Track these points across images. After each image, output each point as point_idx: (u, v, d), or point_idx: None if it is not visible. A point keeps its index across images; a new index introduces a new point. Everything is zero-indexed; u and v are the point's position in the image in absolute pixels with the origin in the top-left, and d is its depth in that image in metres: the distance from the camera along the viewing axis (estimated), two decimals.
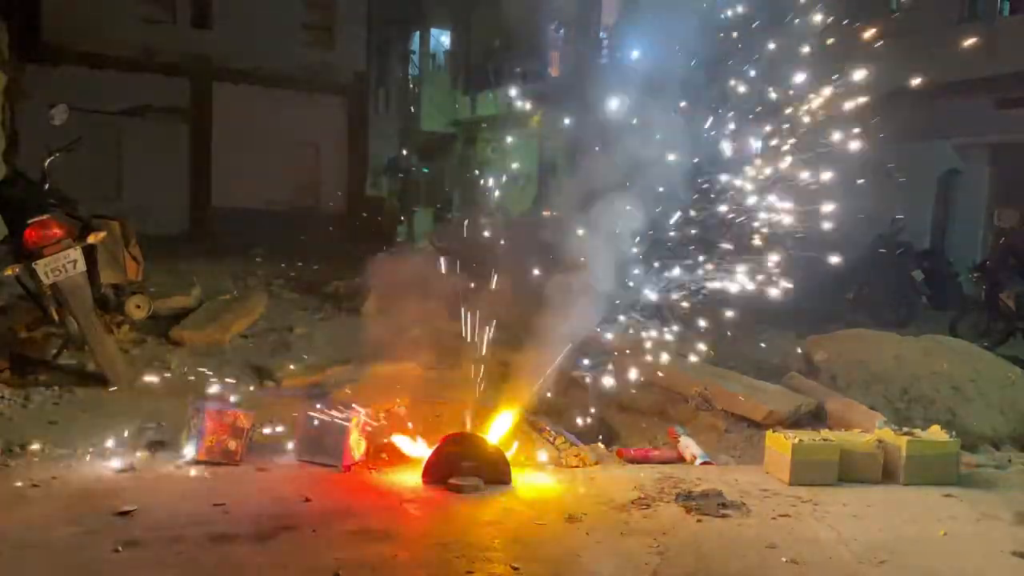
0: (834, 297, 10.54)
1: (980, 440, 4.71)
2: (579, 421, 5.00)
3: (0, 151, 11.26)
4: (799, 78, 4.91)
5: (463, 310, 4.69)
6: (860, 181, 5.63)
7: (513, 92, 17.91)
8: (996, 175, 12.94)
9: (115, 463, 3.52)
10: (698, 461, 4.14)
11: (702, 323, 5.35)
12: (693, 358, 6.00)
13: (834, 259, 5.32)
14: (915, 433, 4.06)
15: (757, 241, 5.03)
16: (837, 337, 5.68)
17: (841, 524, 3.32)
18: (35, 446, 3.68)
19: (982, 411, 4.93)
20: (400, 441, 3.81)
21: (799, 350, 5.88)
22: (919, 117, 13.16)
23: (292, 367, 5.36)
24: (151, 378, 5.12)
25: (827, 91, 4.93)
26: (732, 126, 5.13)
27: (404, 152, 24.04)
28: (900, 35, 13.15)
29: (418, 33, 27.73)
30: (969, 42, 12.20)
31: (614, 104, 4.60)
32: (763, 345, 7.17)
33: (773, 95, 5.06)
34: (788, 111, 5.03)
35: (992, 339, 7.92)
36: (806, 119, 4.97)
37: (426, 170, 23.60)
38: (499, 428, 3.94)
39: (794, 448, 3.80)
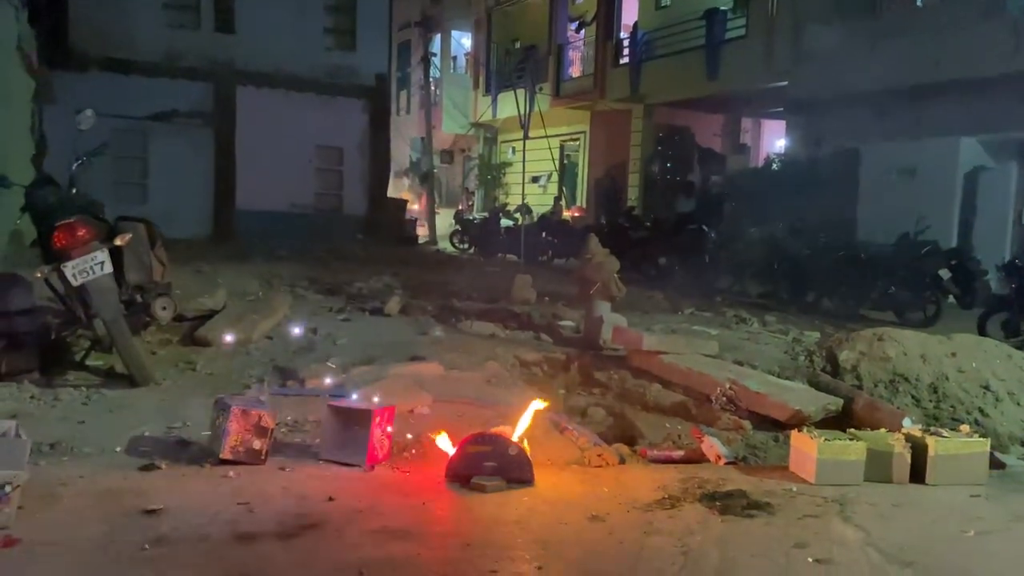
0: (859, 296, 10.45)
1: (1010, 440, 4.63)
2: (602, 421, 4.98)
3: (29, 156, 11.44)
4: None
5: None
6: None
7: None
8: None
9: (142, 462, 3.56)
10: (723, 461, 4.11)
11: None
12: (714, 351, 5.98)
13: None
14: (943, 433, 4.01)
15: None
16: (863, 336, 5.61)
17: (869, 524, 3.27)
18: (64, 445, 3.72)
19: (1012, 411, 4.85)
20: (438, 440, 3.82)
21: (824, 349, 5.82)
22: (946, 113, 13.02)
23: (315, 367, 5.38)
24: (177, 379, 5.18)
25: None
26: None
27: (425, 154, 24.15)
28: (927, 29, 13.04)
29: (439, 35, 27.86)
30: (996, 36, 12.04)
31: None
32: (787, 343, 7.12)
33: None
34: None
35: (1021, 338, 7.80)
36: None
37: (435, 170, 23.64)
38: (522, 428, 3.93)
39: (820, 447, 3.76)
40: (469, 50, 29.21)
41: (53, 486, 3.19)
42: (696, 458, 4.20)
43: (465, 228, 19.72)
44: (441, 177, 27.31)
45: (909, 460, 3.86)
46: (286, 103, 16.95)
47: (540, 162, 22.11)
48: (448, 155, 28.63)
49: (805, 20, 15.42)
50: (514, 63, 23.69)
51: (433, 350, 6.03)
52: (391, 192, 20.56)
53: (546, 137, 19.64)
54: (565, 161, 24.30)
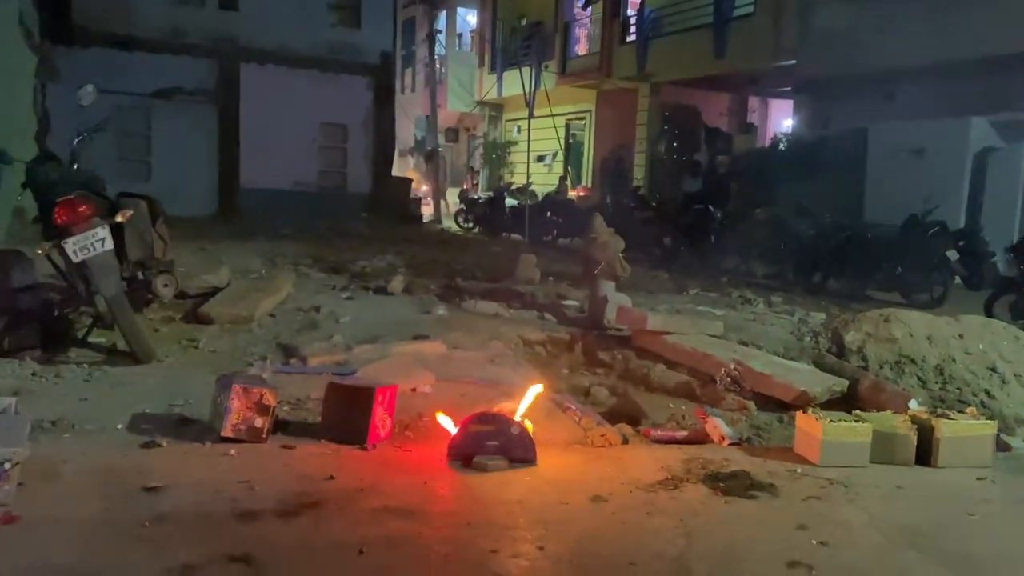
0: (866, 277, 10.39)
1: (1017, 423, 4.60)
2: (605, 401, 4.96)
3: (31, 132, 11.40)
4: None
5: None
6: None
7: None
8: None
9: (143, 439, 3.55)
10: (726, 442, 4.09)
11: None
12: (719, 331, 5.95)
13: None
14: (949, 415, 3.98)
15: None
16: (869, 317, 5.57)
17: (873, 506, 3.26)
18: (65, 422, 3.71)
19: (1018, 393, 4.81)
20: (440, 419, 3.80)
21: (830, 330, 5.79)
22: (956, 92, 12.88)
23: (318, 345, 5.37)
24: (179, 356, 5.17)
25: None
26: None
27: (430, 133, 24.02)
28: (937, 7, 12.86)
29: (444, 12, 27.63)
30: (1007, 14, 11.88)
31: None
32: (793, 324, 7.08)
33: None
34: None
35: None
36: None
37: (440, 149, 23.53)
38: (524, 407, 3.91)
39: (825, 429, 3.73)
40: (474, 27, 28.99)
41: (54, 463, 3.18)
42: (700, 439, 4.18)
43: (470, 207, 19.63)
44: (446, 156, 27.19)
45: (915, 442, 3.84)
46: (290, 80, 16.85)
47: (545, 141, 21.99)
48: (453, 134, 28.50)
49: None
50: (520, 41, 23.50)
51: (436, 329, 6.02)
52: (396, 171, 20.47)
53: (551, 116, 19.54)
54: (570, 140, 24.16)
